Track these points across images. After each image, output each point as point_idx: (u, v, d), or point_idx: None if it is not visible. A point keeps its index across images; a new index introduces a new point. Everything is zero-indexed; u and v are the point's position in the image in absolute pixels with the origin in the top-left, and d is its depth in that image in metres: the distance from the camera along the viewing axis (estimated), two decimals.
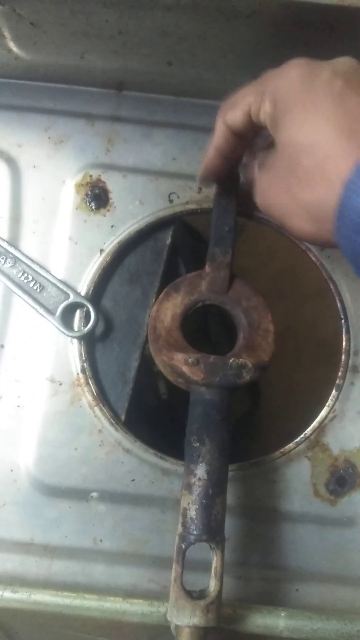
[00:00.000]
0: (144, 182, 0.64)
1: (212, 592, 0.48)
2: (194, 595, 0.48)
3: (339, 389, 0.61)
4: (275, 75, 0.46)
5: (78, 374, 0.60)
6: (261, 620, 0.51)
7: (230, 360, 0.53)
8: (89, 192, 0.64)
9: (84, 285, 0.62)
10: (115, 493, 0.59)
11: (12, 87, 0.66)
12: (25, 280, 0.61)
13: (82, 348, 0.61)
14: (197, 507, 0.49)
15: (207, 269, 0.59)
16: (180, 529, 0.50)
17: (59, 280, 0.61)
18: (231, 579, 0.57)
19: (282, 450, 0.60)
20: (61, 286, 0.61)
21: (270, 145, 0.49)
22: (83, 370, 0.60)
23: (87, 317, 0.60)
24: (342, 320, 0.63)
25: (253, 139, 0.53)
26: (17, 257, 0.61)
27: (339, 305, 0.63)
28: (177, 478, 0.58)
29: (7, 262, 0.61)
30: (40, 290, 0.61)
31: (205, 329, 0.98)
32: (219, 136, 0.52)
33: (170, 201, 0.64)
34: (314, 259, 0.64)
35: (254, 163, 0.53)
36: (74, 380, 0.60)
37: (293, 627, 0.51)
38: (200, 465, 0.50)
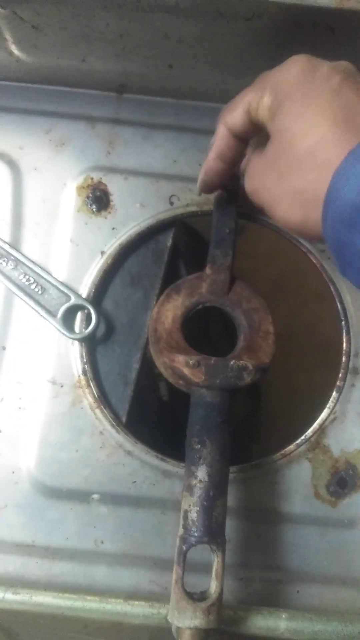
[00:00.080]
0: (145, 185, 0.64)
1: (213, 593, 0.48)
2: (195, 597, 0.48)
3: (340, 391, 0.61)
4: (276, 71, 0.47)
5: (79, 375, 0.61)
6: (262, 622, 0.51)
7: (231, 362, 0.53)
8: (90, 195, 0.64)
9: (85, 287, 0.62)
10: (117, 495, 0.59)
11: (14, 89, 0.66)
12: (27, 283, 0.61)
13: (83, 350, 0.61)
14: (198, 509, 0.50)
15: (208, 270, 0.59)
16: (181, 530, 0.50)
17: (60, 282, 0.61)
18: (232, 581, 0.57)
19: (282, 452, 0.60)
20: (62, 288, 0.61)
21: (265, 138, 0.49)
22: (84, 372, 0.60)
23: (88, 319, 0.61)
24: (343, 322, 0.63)
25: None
26: (19, 260, 0.61)
27: (339, 307, 0.63)
28: (178, 480, 0.58)
29: (9, 264, 0.61)
30: (42, 293, 0.61)
31: (206, 330, 0.99)
32: (220, 140, 0.52)
33: (171, 203, 0.64)
34: (314, 261, 0.64)
35: (247, 151, 0.53)
36: (75, 382, 0.60)
37: (294, 629, 0.51)
38: (201, 467, 0.51)
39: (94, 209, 0.64)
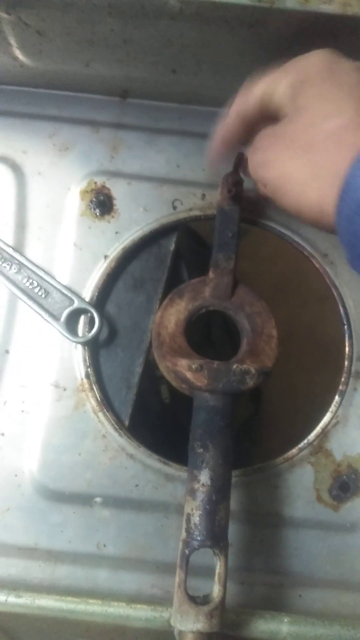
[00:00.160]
0: (148, 189, 0.65)
1: (216, 597, 0.48)
2: (198, 600, 0.48)
3: (342, 395, 0.61)
4: (297, 60, 0.48)
5: (82, 379, 0.61)
6: (264, 626, 0.51)
7: (234, 366, 0.53)
8: (94, 199, 0.64)
9: (88, 291, 0.62)
10: (119, 498, 0.59)
11: (18, 94, 0.66)
12: (30, 286, 0.61)
13: (87, 353, 0.61)
14: (200, 512, 0.50)
15: (211, 275, 0.59)
16: (183, 534, 0.50)
17: (64, 286, 0.61)
18: (234, 585, 0.57)
19: (285, 456, 0.60)
20: (66, 292, 0.61)
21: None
22: (87, 376, 0.61)
23: (91, 322, 0.61)
24: (345, 326, 0.63)
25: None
26: (22, 263, 0.62)
27: (341, 311, 0.63)
28: (181, 483, 0.59)
29: (12, 268, 0.61)
30: (45, 296, 0.61)
31: (209, 334, 0.99)
32: (227, 124, 0.52)
33: (174, 208, 0.64)
34: (316, 264, 0.64)
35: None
36: (78, 385, 0.61)
37: (296, 633, 0.51)
38: (204, 471, 0.51)
39: (98, 213, 0.64)
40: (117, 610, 0.52)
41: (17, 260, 0.62)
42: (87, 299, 0.62)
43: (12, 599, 0.52)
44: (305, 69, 0.46)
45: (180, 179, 0.65)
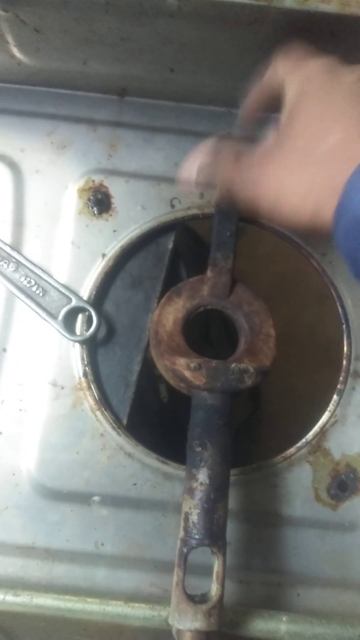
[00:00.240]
0: (146, 187, 0.65)
1: (214, 596, 0.48)
2: (196, 599, 0.48)
3: (340, 394, 0.61)
4: (305, 60, 0.48)
5: (80, 378, 0.61)
6: (263, 625, 0.51)
7: (232, 365, 0.53)
8: (92, 197, 0.64)
9: (86, 289, 0.62)
10: (117, 497, 0.59)
11: (15, 92, 0.66)
12: (28, 285, 0.61)
13: (84, 352, 0.61)
14: (199, 511, 0.50)
15: (209, 273, 0.59)
16: (182, 533, 0.50)
17: (62, 284, 0.61)
18: (233, 583, 0.57)
19: (283, 454, 0.60)
20: (63, 290, 0.61)
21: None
22: (85, 374, 0.61)
23: (89, 321, 0.61)
24: (343, 326, 0.63)
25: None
26: (20, 262, 0.61)
27: (340, 310, 0.63)
28: (179, 482, 0.58)
29: (10, 266, 0.61)
30: (43, 295, 0.61)
31: (207, 333, 0.99)
32: (258, 85, 0.53)
33: (172, 206, 0.64)
34: (315, 263, 0.64)
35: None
36: (76, 384, 0.61)
37: (294, 632, 0.51)
38: (202, 469, 0.51)
39: (95, 212, 0.64)
40: (115, 609, 0.52)
41: (15, 258, 0.62)
42: (85, 297, 0.62)
43: (9, 597, 0.52)
44: (308, 80, 0.46)
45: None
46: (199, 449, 0.51)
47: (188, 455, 0.52)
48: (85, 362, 0.61)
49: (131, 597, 0.53)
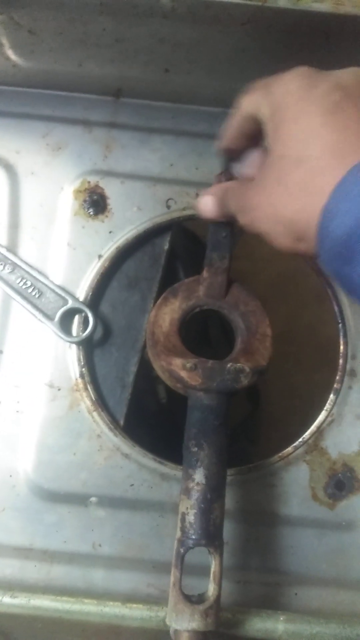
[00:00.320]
0: (142, 188, 0.65)
1: (211, 596, 0.48)
2: (193, 599, 0.48)
3: (337, 393, 0.61)
4: (277, 82, 0.46)
5: (77, 379, 0.61)
6: (260, 625, 0.51)
7: (228, 365, 0.53)
8: (87, 198, 0.64)
9: (82, 290, 0.62)
10: (114, 498, 0.59)
11: (10, 94, 0.66)
12: (24, 286, 0.61)
13: (81, 353, 0.61)
14: (195, 511, 0.50)
15: (205, 274, 0.59)
16: (178, 533, 0.50)
17: (58, 286, 0.61)
18: (230, 583, 0.57)
19: (280, 454, 0.60)
20: (60, 292, 0.61)
21: (263, 155, 0.49)
22: (82, 376, 0.61)
23: (85, 322, 0.61)
24: (340, 325, 0.63)
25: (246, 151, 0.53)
26: (16, 263, 0.62)
27: (336, 309, 0.63)
28: (176, 482, 0.58)
29: (6, 268, 0.61)
30: (39, 296, 0.61)
31: (205, 333, 0.99)
32: (234, 120, 0.52)
33: (168, 207, 0.64)
34: (312, 264, 0.64)
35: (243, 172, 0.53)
36: (72, 385, 0.61)
37: (292, 631, 0.51)
38: (199, 470, 0.51)
39: (91, 213, 0.64)
40: (113, 610, 0.52)
41: (11, 260, 0.62)
42: (81, 298, 0.62)
43: (7, 599, 0.52)
44: (280, 102, 0.45)
45: (173, 178, 0.65)
46: (195, 449, 0.51)
47: (184, 455, 0.52)
48: (82, 364, 0.61)
49: (129, 598, 0.53)
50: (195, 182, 0.65)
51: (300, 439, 0.61)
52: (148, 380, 0.83)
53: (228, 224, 0.60)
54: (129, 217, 0.64)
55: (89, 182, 0.64)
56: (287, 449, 0.60)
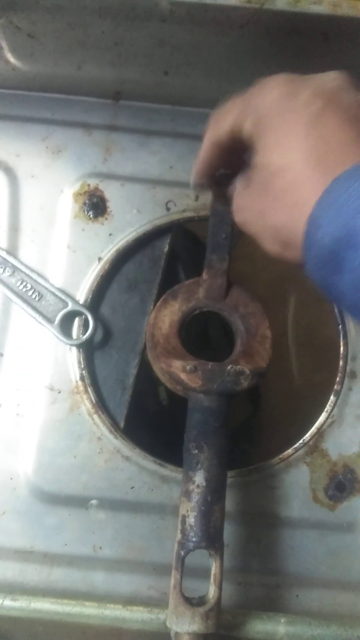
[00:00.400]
0: (142, 191, 0.65)
1: (212, 598, 0.48)
2: (194, 601, 0.48)
3: (337, 395, 0.61)
4: (257, 93, 0.45)
5: (77, 381, 0.61)
6: (261, 627, 0.51)
7: (228, 367, 0.53)
8: (87, 201, 0.64)
9: (82, 293, 0.62)
10: (115, 500, 0.59)
11: (10, 97, 0.66)
12: (24, 289, 0.61)
13: (81, 356, 0.61)
14: (195, 514, 0.50)
15: (205, 276, 0.59)
16: (179, 536, 0.50)
17: (58, 288, 0.61)
18: (231, 585, 0.57)
19: (280, 456, 0.60)
20: (60, 294, 0.61)
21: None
22: (82, 378, 0.61)
23: (85, 325, 0.61)
24: (340, 326, 0.63)
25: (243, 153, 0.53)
26: (16, 266, 0.62)
27: (336, 311, 0.63)
28: (177, 485, 0.58)
29: (6, 271, 0.61)
30: (39, 299, 0.61)
31: (206, 334, 0.99)
32: (205, 150, 0.51)
33: (168, 209, 0.64)
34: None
35: (235, 179, 0.53)
36: (73, 388, 0.61)
37: (293, 633, 0.51)
38: (199, 472, 0.51)
39: (91, 216, 0.64)
40: (114, 613, 0.52)
41: (11, 263, 0.62)
42: (81, 301, 0.62)
43: (8, 602, 0.52)
44: (261, 113, 0.44)
45: (173, 180, 0.65)
46: (196, 451, 0.51)
47: (184, 457, 0.52)
48: (82, 366, 0.61)
49: (129, 601, 0.53)
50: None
51: (300, 441, 0.61)
52: (148, 382, 0.83)
53: (228, 225, 0.60)
54: (129, 220, 0.64)
55: (88, 184, 0.65)
56: (287, 451, 0.60)
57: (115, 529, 0.58)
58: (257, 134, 0.44)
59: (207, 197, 0.64)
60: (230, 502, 0.57)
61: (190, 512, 0.50)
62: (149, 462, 0.59)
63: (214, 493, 0.50)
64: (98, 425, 0.60)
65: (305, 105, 0.41)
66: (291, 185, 0.41)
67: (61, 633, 0.54)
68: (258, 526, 0.59)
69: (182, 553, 0.49)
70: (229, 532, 0.55)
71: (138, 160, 0.66)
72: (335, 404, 0.61)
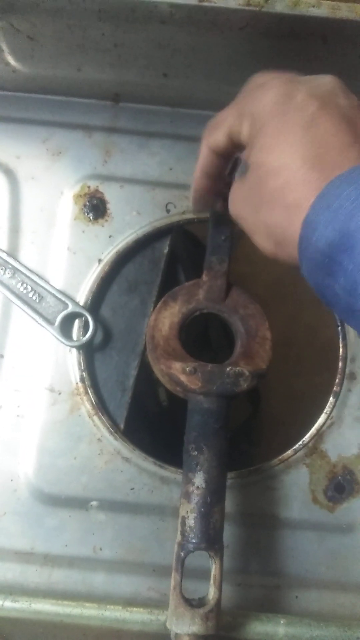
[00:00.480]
0: (141, 193, 0.65)
1: (212, 599, 0.48)
2: (194, 603, 0.48)
3: (337, 396, 0.62)
4: (252, 96, 0.45)
5: (77, 383, 0.61)
6: (261, 628, 0.52)
7: (228, 369, 0.53)
8: (87, 203, 0.64)
9: (82, 295, 0.62)
10: (115, 502, 0.59)
11: (10, 99, 0.66)
12: (24, 291, 0.61)
13: (81, 357, 0.61)
14: (195, 515, 0.50)
15: (204, 277, 0.59)
16: (179, 537, 0.50)
17: (58, 290, 0.62)
18: (231, 587, 0.57)
19: (280, 457, 0.60)
20: (60, 296, 0.61)
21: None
22: (82, 380, 0.61)
23: (85, 326, 0.61)
24: (339, 328, 0.63)
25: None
26: (16, 268, 0.62)
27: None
28: (177, 486, 0.59)
29: (6, 272, 0.62)
30: (39, 301, 0.61)
31: (206, 336, 0.99)
32: (203, 158, 0.51)
33: (167, 211, 0.65)
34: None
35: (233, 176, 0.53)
36: (73, 389, 0.61)
37: (293, 634, 0.51)
38: (199, 473, 0.51)
39: (91, 217, 0.64)
40: (114, 614, 0.52)
41: (11, 264, 0.62)
42: (82, 302, 0.62)
43: (8, 603, 0.52)
44: (257, 116, 0.44)
45: (173, 182, 0.65)
46: (195, 452, 0.51)
47: (184, 459, 0.52)
48: (82, 368, 0.61)
49: (129, 602, 0.53)
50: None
51: (300, 442, 0.61)
52: (148, 383, 0.83)
53: (227, 227, 0.60)
54: (129, 221, 0.64)
55: (88, 186, 0.65)
56: (287, 452, 0.61)
57: (115, 530, 0.58)
58: (253, 134, 0.44)
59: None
60: (229, 504, 0.57)
61: (190, 513, 0.50)
62: (149, 464, 0.59)
63: (214, 494, 0.50)
64: (98, 427, 0.60)
65: (301, 107, 0.42)
66: (287, 185, 0.41)
67: (61, 634, 0.55)
68: (258, 527, 0.59)
69: (182, 554, 0.49)
70: (228, 534, 0.55)
71: (138, 162, 0.66)
72: (334, 406, 0.61)
